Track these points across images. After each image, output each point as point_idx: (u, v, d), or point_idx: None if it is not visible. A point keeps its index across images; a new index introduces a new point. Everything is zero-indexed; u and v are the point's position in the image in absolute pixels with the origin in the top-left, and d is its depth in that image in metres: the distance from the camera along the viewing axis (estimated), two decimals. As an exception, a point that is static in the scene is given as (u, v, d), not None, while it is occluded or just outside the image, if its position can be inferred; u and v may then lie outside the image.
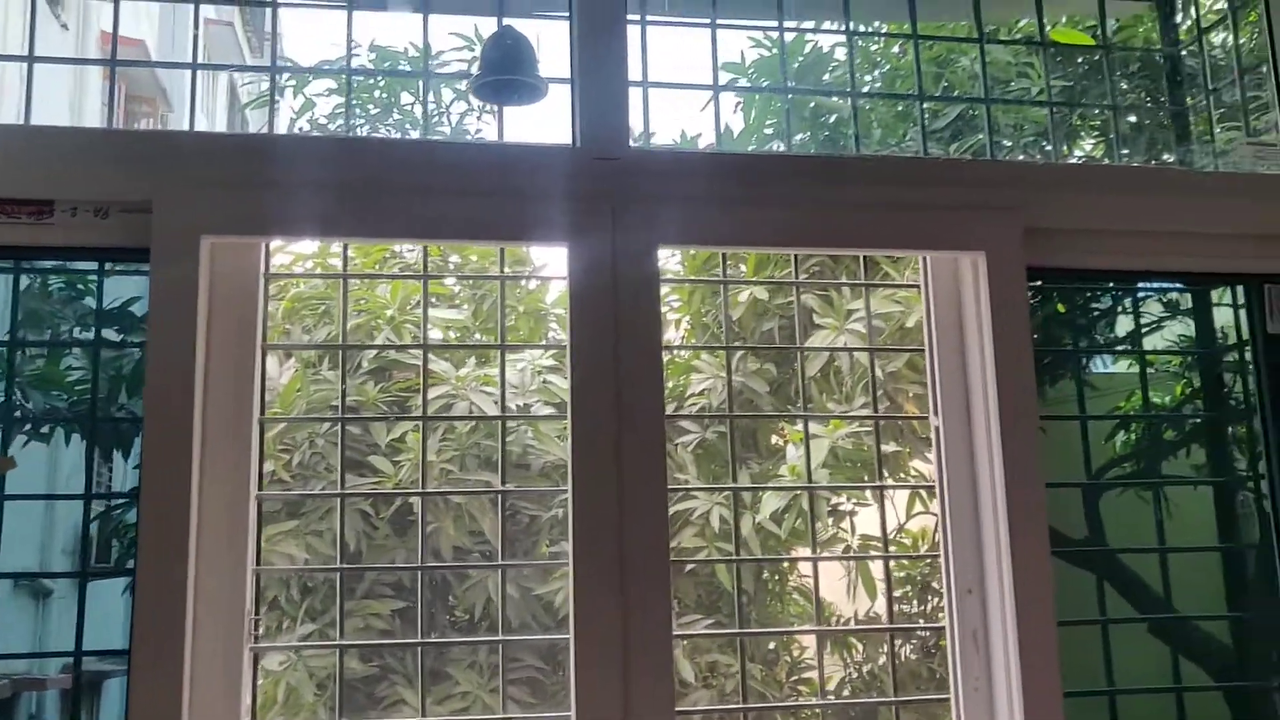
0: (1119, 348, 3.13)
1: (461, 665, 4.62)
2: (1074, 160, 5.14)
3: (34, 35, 2.30)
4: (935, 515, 5.46)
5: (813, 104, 5.55)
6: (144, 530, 1.84)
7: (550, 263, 5.52)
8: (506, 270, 5.32)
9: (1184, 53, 2.88)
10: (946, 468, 2.12)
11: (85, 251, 2.00)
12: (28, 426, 3.87)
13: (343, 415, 2.32)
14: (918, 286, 2.26)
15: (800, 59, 5.37)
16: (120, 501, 4.51)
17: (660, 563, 1.93)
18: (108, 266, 2.08)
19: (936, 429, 2.14)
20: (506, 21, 2.28)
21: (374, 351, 4.58)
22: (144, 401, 1.87)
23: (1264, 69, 2.46)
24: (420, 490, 2.16)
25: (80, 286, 4.86)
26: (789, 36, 4.67)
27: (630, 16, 2.18)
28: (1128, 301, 2.90)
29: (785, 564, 5.62)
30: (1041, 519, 2.03)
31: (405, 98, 5.90)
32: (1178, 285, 2.72)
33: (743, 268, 5.12)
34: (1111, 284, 2.68)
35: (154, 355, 1.87)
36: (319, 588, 4.59)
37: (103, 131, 2.00)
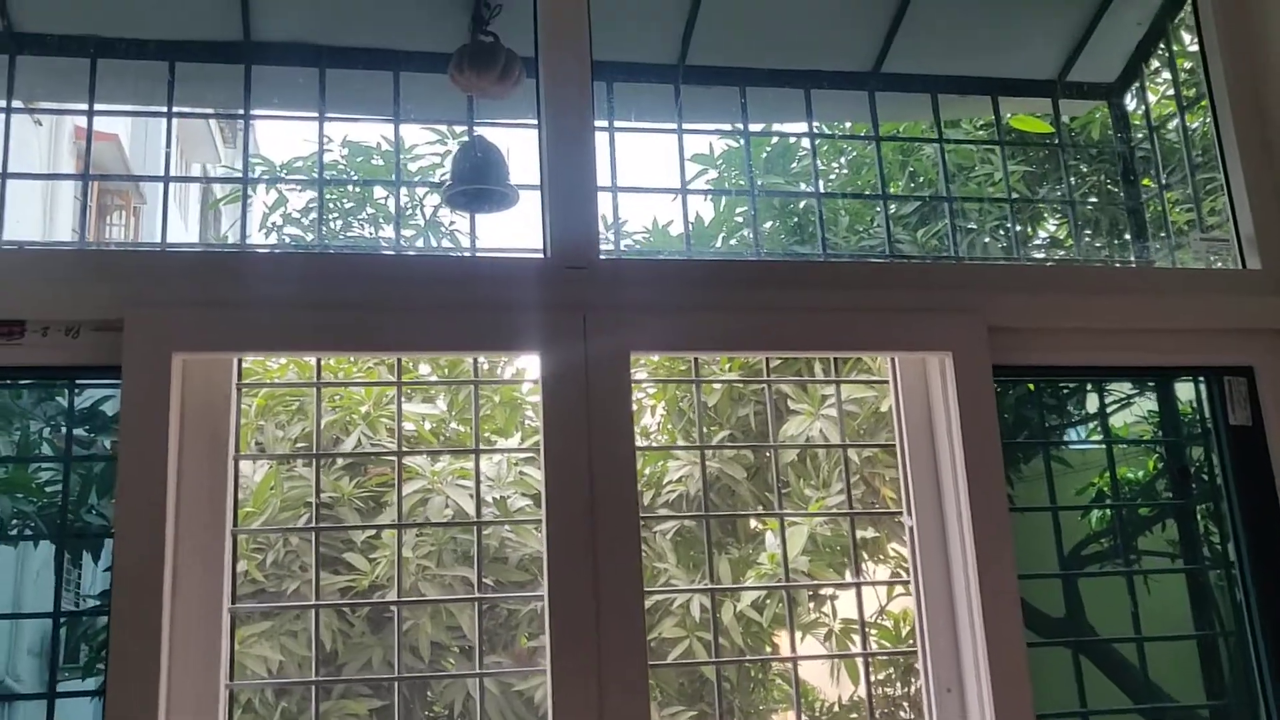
0: (1087, 426, 3.17)
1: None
2: (1039, 241, 5.23)
3: (8, 151, 2.32)
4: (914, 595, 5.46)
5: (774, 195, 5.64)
6: (115, 647, 1.81)
7: (524, 358, 5.54)
8: (481, 365, 5.34)
9: (1136, 147, 2.96)
10: (921, 565, 2.13)
11: (56, 370, 2.00)
12: (-5, 531, 3.83)
13: (316, 524, 2.30)
14: (888, 381, 2.29)
15: (767, 150, 5.46)
16: (91, 605, 4.45)
17: (638, 662, 1.92)
18: (78, 381, 2.08)
19: (910, 529, 2.15)
20: (477, 131, 2.33)
21: (349, 447, 4.57)
22: (115, 517, 1.86)
23: (1214, 152, 2.52)
24: (397, 600, 2.14)
25: (50, 389, 4.85)
26: (756, 128, 4.76)
27: (598, 123, 2.23)
28: (1093, 380, 2.94)
29: (769, 650, 5.59)
30: (1016, 615, 2.03)
31: (378, 191, 5.96)
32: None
33: (717, 355, 5.16)
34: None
35: (125, 471, 1.86)
36: (294, 688, 4.52)
37: (75, 251, 2.01)
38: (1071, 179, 3.23)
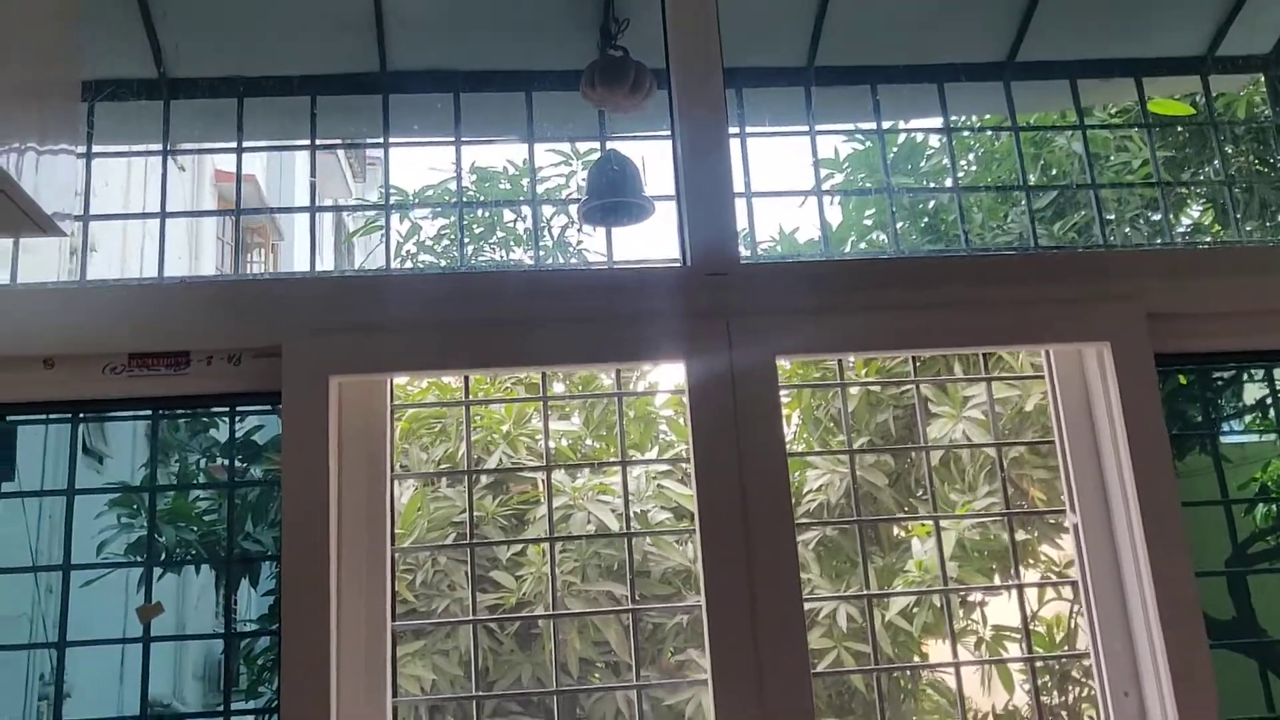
0: (1244, 419, 3.01)
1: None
2: (1182, 228, 5.03)
3: (165, 192, 2.42)
4: (1068, 601, 5.27)
5: (910, 194, 5.55)
6: (287, 666, 1.86)
7: (660, 371, 5.55)
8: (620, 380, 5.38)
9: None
10: (1089, 564, 2.05)
11: (220, 398, 2.06)
12: (162, 558, 3.99)
13: (471, 540, 2.33)
14: (1041, 376, 2.22)
15: (895, 149, 5.38)
16: (251, 629, 4.61)
17: (800, 670, 1.89)
18: (239, 408, 2.16)
19: (1075, 526, 2.07)
20: (610, 145, 2.34)
21: (492, 464, 4.64)
22: (282, 538, 1.91)
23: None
24: (552, 614, 2.15)
25: (204, 419, 5.05)
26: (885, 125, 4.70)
27: (731, 129, 2.21)
28: (1255, 370, 2.80)
29: (918, 659, 5.48)
30: (1197, 612, 1.94)
31: (506, 215, 6.07)
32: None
33: (863, 355, 5.10)
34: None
35: (290, 493, 1.91)
36: (446, 706, 4.59)
37: (234, 282, 2.08)
38: (1216, 160, 3.09)
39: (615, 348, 2.05)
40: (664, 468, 4.79)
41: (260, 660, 4.72)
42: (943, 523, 4.61)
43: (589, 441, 5.38)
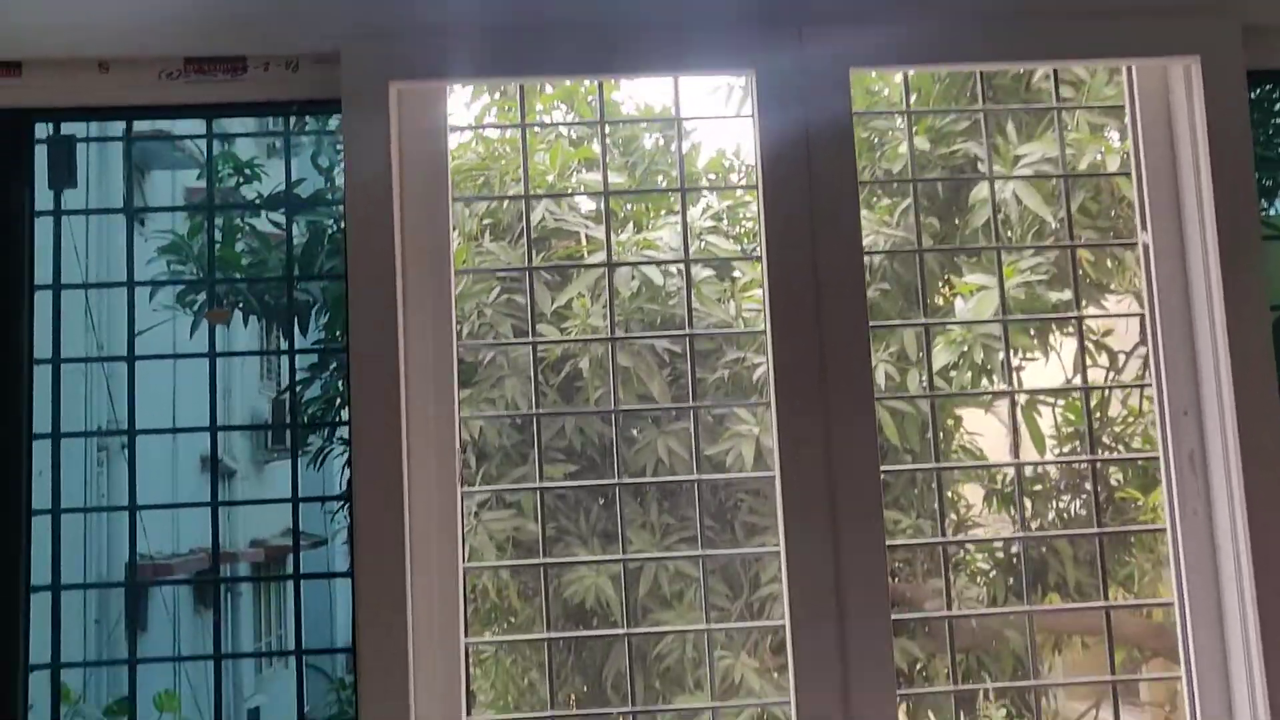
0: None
1: (634, 525, 4.73)
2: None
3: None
4: (1103, 368, 5.26)
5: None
6: (356, 382, 1.88)
7: (702, 130, 5.44)
8: (662, 133, 5.27)
9: None
10: (1157, 287, 2.02)
11: (278, 105, 2.03)
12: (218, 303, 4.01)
13: (529, 265, 2.32)
14: (1121, 106, 2.14)
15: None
16: (304, 377, 4.70)
17: (865, 405, 1.91)
18: (295, 124, 2.12)
19: (1145, 246, 2.04)
20: None
21: (535, 220, 4.61)
22: (348, 251, 1.91)
23: None
24: (610, 336, 2.16)
25: (247, 171, 5.01)
26: None
27: None
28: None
29: (950, 423, 5.55)
30: (1266, 335, 1.92)
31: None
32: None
33: (933, 69, 4.97)
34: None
35: (354, 207, 1.90)
36: (493, 454, 4.72)
37: (289, -15, 1.99)
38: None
39: (682, 56, 1.98)
40: (709, 224, 4.75)
41: (310, 412, 4.82)
42: (986, 282, 4.57)
43: (628, 207, 5.32)
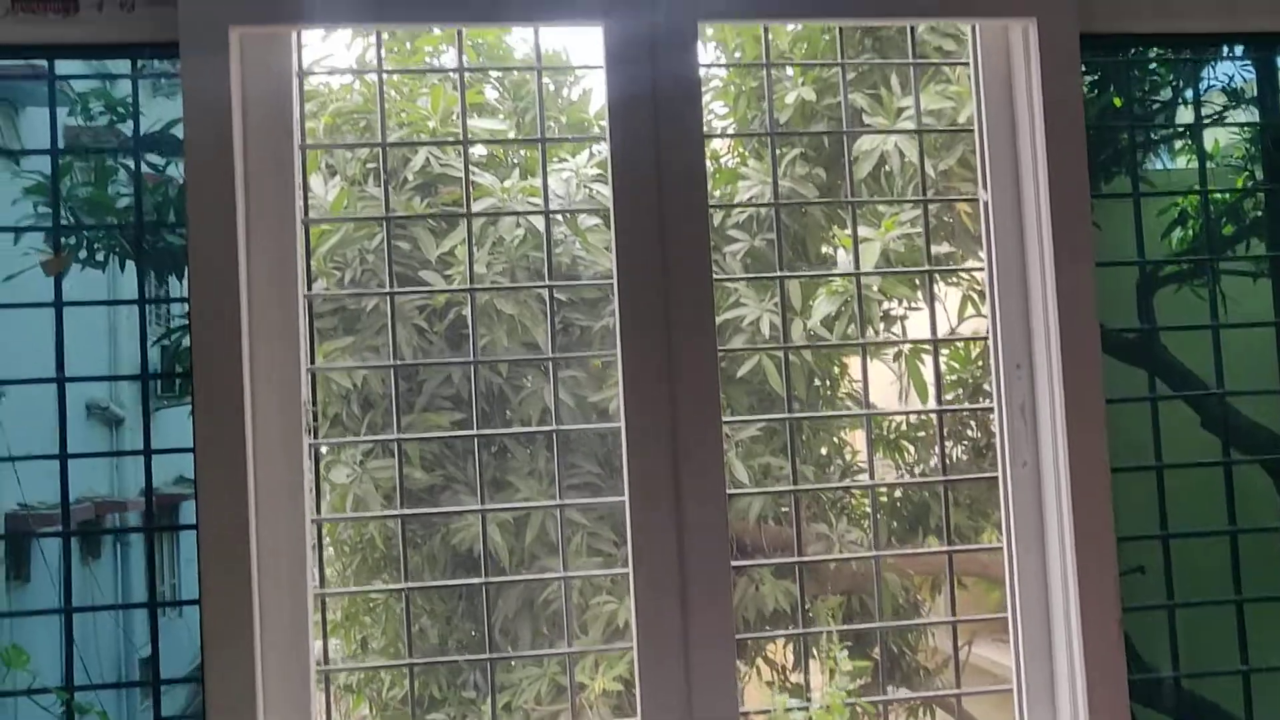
0: (1173, 146, 2.97)
1: (522, 473, 4.75)
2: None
3: None
4: (985, 317, 5.41)
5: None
6: (197, 333, 1.87)
7: (589, 75, 5.40)
8: (545, 80, 5.23)
9: None
10: (995, 245, 2.08)
11: (113, 48, 1.97)
12: (82, 253, 3.91)
13: (386, 215, 2.31)
14: (966, 63, 2.18)
15: None
16: (181, 325, 4.60)
17: (709, 357, 1.94)
18: (141, 66, 2.07)
19: (985, 204, 2.09)
20: None
21: (418, 166, 4.55)
22: (188, 201, 1.88)
23: None
24: (470, 287, 2.17)
25: (120, 110, 4.84)
26: None
27: None
28: (1188, 92, 2.76)
29: (837, 371, 5.66)
30: (1090, 294, 2.00)
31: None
32: (1242, 58, 2.59)
33: (789, 71, 5.00)
34: (1170, 54, 2.55)
35: (192, 154, 1.87)
36: (378, 402, 4.69)
37: (122, -80, 1.94)
38: None
39: (534, 6, 1.97)
40: (595, 172, 4.73)
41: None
42: (868, 234, 4.65)
43: (521, 153, 5.28)
